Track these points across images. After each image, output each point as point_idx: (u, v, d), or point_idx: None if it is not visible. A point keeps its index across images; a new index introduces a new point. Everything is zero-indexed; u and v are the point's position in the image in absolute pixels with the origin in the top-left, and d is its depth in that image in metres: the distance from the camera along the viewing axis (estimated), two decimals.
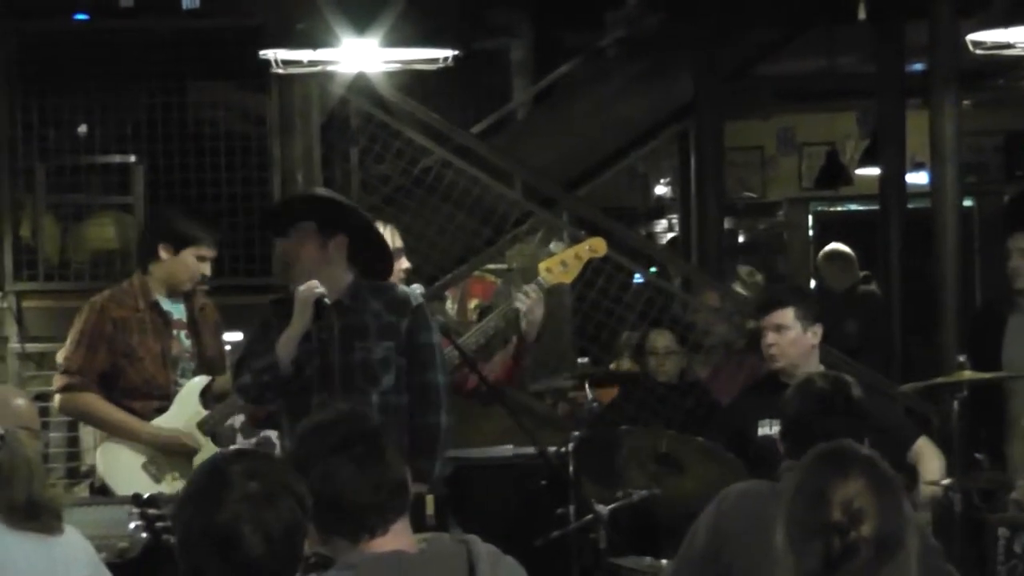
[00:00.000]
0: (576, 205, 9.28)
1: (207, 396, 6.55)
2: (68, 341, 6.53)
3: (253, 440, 6.89)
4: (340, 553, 3.35)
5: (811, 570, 2.98)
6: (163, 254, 6.54)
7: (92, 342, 6.46)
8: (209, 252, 6.61)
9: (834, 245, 11.64)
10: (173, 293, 6.60)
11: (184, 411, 6.50)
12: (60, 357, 6.58)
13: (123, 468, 6.44)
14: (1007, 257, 7.62)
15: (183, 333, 6.60)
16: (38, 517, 4.32)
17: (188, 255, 6.54)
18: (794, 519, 3.02)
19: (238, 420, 6.90)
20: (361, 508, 3.33)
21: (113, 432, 6.50)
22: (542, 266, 6.56)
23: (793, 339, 6.32)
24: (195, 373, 6.58)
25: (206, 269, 6.61)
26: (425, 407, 5.80)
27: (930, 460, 6.30)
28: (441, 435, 5.82)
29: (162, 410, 6.49)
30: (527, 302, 6.35)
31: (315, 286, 5.65)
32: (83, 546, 4.46)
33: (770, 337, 6.34)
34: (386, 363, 5.75)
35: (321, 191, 5.95)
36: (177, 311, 6.60)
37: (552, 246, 8.79)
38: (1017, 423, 7.36)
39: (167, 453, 6.46)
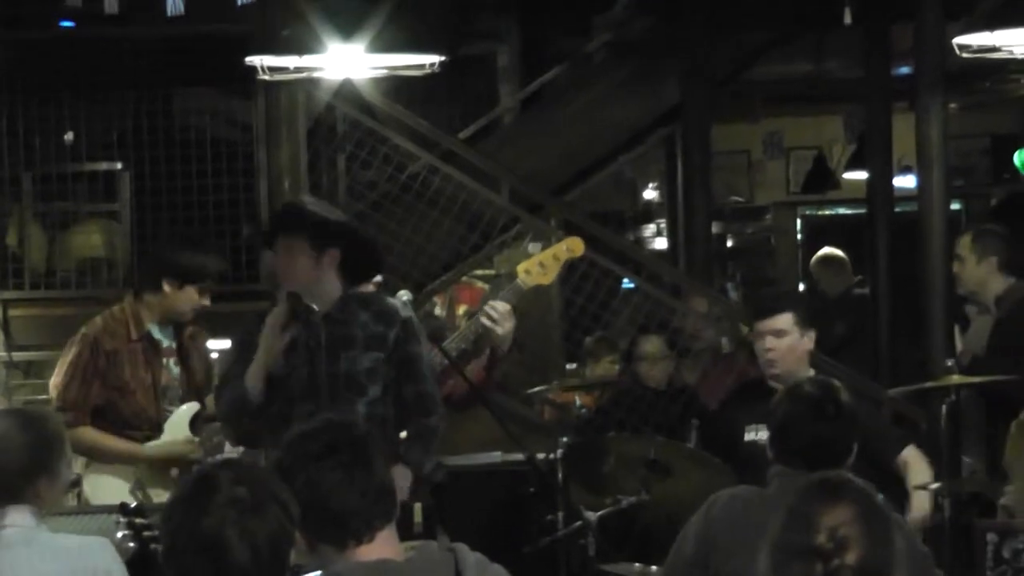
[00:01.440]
0: (564, 210, 9.27)
1: (197, 423, 6.49)
2: (61, 374, 6.39)
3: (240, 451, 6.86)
4: (327, 560, 3.34)
5: None
6: (166, 287, 6.39)
7: (86, 376, 6.34)
8: (213, 287, 6.52)
9: (828, 249, 11.59)
10: (167, 322, 6.49)
11: (174, 438, 6.45)
12: (53, 391, 6.45)
13: (110, 495, 6.36)
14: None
15: (171, 361, 6.51)
16: None
17: (191, 289, 6.42)
18: (779, 543, 2.93)
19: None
20: (347, 514, 3.32)
21: (115, 461, 6.40)
22: (520, 268, 6.48)
23: (791, 344, 6.25)
24: (182, 400, 6.51)
25: (207, 301, 6.49)
26: (422, 412, 5.81)
27: (918, 468, 6.23)
28: (437, 435, 5.86)
29: (151, 439, 6.41)
30: (492, 318, 6.27)
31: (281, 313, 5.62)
32: (102, 558, 4.31)
33: (768, 342, 6.26)
34: (372, 373, 5.71)
35: (309, 201, 5.89)
36: (167, 338, 6.50)
37: (529, 247, 8.73)
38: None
39: (153, 477, 6.39)
